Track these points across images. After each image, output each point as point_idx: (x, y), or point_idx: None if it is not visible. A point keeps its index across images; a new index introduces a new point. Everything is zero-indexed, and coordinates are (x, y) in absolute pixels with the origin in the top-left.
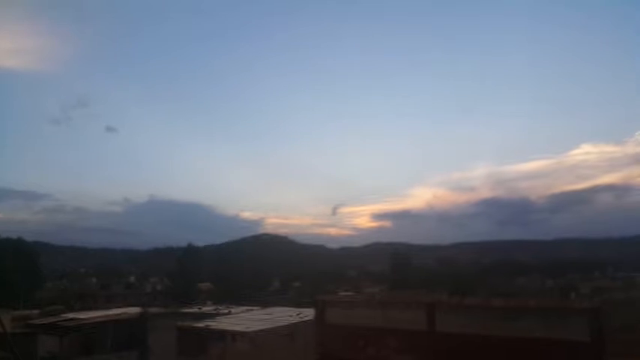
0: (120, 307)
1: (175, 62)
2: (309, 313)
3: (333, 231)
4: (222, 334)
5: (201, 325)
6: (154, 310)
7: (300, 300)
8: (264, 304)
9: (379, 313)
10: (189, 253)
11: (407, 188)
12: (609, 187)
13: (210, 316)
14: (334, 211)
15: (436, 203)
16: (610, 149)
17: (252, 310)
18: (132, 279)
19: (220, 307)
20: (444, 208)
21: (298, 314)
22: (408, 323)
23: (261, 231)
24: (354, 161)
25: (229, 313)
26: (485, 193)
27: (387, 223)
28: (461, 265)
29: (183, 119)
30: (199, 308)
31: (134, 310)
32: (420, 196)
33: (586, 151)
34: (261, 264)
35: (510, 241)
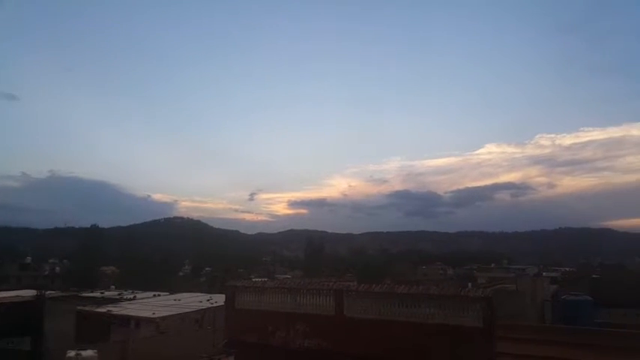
0: (13, 290)
1: (95, 31)
2: (219, 299)
3: (248, 216)
4: (125, 320)
5: (102, 310)
6: (51, 293)
7: (212, 285)
8: (174, 289)
9: (289, 299)
10: (93, 234)
11: (324, 177)
12: (508, 186)
13: (114, 301)
14: (251, 197)
15: (351, 193)
16: (511, 150)
17: (159, 295)
18: (28, 260)
19: (125, 292)
20: (358, 198)
21: (208, 300)
22: (317, 308)
23: (173, 214)
24: (273, 149)
25: (134, 298)
26: (397, 186)
27: (303, 211)
28: (371, 253)
29: (96, 93)
30: (101, 293)
31: (29, 293)
32: (337, 186)
33: (490, 151)
34: (171, 248)
35: (418, 231)
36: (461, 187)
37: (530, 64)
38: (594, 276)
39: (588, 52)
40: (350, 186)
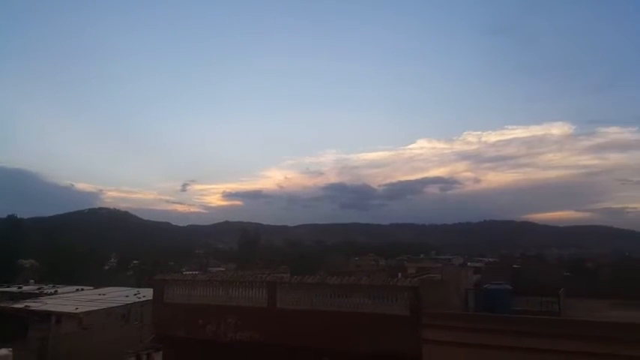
0: None
1: (17, 15)
2: (147, 293)
3: (180, 208)
4: (45, 316)
5: (19, 305)
6: None
7: (140, 279)
8: (99, 283)
9: (221, 292)
10: (10, 225)
11: (260, 169)
12: (438, 180)
13: (33, 295)
14: (184, 188)
15: (287, 185)
16: (441, 146)
17: (83, 289)
18: None
19: (45, 287)
20: (294, 190)
21: (135, 294)
22: (249, 301)
23: (98, 204)
24: (208, 139)
25: (55, 292)
26: (333, 178)
27: (238, 203)
28: (306, 245)
29: (15, 77)
30: (19, 287)
31: None
32: (273, 178)
33: (421, 146)
34: (97, 240)
35: (352, 223)
36: (394, 180)
37: (460, 64)
38: (515, 266)
39: (515, 53)
40: (286, 178)
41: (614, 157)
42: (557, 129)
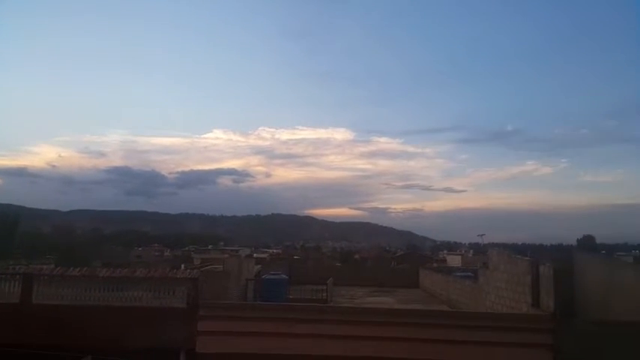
0: None
1: None
2: None
3: None
4: None
5: None
6: None
7: None
8: None
9: None
10: None
11: (26, 143)
12: (231, 171)
13: None
14: None
15: (61, 165)
16: (237, 138)
17: None
18: None
19: None
20: (70, 171)
21: None
22: None
23: None
24: None
25: None
26: (117, 161)
27: None
28: (80, 233)
29: None
30: None
31: None
32: (42, 154)
33: (217, 136)
34: None
35: (137, 211)
36: (186, 169)
37: (261, 62)
38: (295, 257)
39: (309, 58)
40: (60, 156)
41: (383, 164)
42: (339, 134)
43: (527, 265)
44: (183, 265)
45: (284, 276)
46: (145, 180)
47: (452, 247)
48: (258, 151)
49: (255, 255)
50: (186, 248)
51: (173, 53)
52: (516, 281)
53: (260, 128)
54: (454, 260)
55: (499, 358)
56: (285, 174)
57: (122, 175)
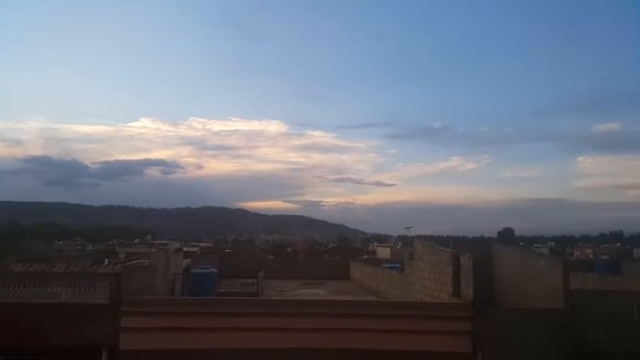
0: None
1: None
2: None
3: None
4: None
5: None
6: None
7: None
8: None
9: None
10: None
11: None
12: (159, 162)
13: None
14: None
15: None
16: (166, 128)
17: None
18: None
19: None
20: None
21: None
22: None
23: None
24: None
25: None
26: (36, 150)
27: None
28: None
29: None
30: None
31: None
32: None
33: (145, 125)
34: None
35: (57, 203)
36: (111, 159)
37: (192, 50)
38: (227, 250)
39: (243, 48)
40: None
41: (316, 157)
42: (273, 126)
43: (449, 256)
44: (106, 260)
45: (214, 270)
46: (66, 170)
47: (382, 239)
48: (189, 141)
49: (184, 249)
50: (111, 242)
51: (99, 35)
52: (439, 271)
53: (191, 118)
54: (384, 252)
55: (422, 345)
56: (217, 166)
57: (41, 165)
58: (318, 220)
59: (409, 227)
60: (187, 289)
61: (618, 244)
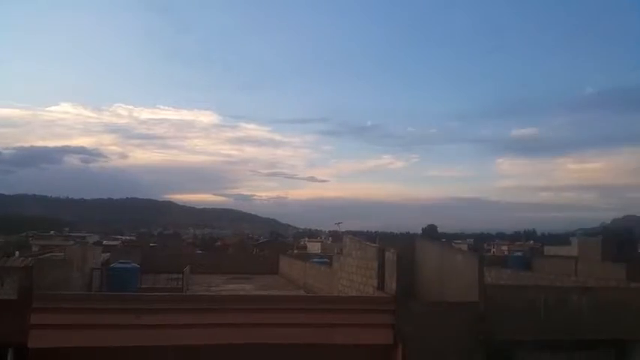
0: None
1: None
2: None
3: None
4: None
5: None
6: None
7: None
8: None
9: None
10: None
11: None
12: (80, 150)
13: None
14: None
15: None
16: (88, 114)
17: None
18: None
19: None
20: None
21: None
22: None
23: None
24: None
25: None
26: None
27: None
28: None
29: None
30: None
31: None
32: None
33: (65, 110)
34: None
35: None
36: (26, 144)
37: (120, 34)
38: (152, 244)
39: (176, 36)
40: None
41: (250, 151)
42: (205, 117)
43: (375, 251)
44: (17, 252)
45: (135, 265)
46: None
47: (313, 234)
48: (113, 129)
49: (104, 242)
50: (24, 234)
51: (16, 13)
52: (365, 266)
53: (116, 104)
54: (314, 247)
55: (345, 339)
56: (144, 156)
57: None
58: (250, 214)
59: (339, 223)
60: (106, 285)
61: (531, 242)
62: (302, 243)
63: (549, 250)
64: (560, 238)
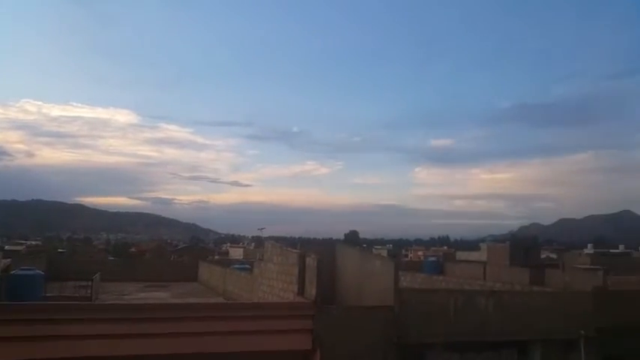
0: None
1: None
2: None
3: None
4: None
5: None
6: None
7: None
8: None
9: None
10: None
11: None
12: None
13: None
14: None
15: None
16: None
17: None
18: None
19: None
20: None
21: None
22: None
23: None
24: None
25: None
26: None
27: None
28: None
29: None
30: None
31: None
32: None
33: None
34: None
35: None
36: None
37: (29, 23)
38: (59, 250)
39: (93, 28)
40: None
41: (170, 152)
42: (122, 116)
43: (296, 257)
44: None
45: (39, 272)
46: None
47: (235, 239)
48: (19, 125)
49: (6, 247)
50: None
51: None
52: (286, 272)
53: (23, 100)
54: (236, 253)
55: (264, 345)
56: (53, 155)
57: None
58: (169, 219)
59: (262, 228)
60: (6, 294)
61: (445, 247)
62: (224, 249)
63: (461, 255)
64: (472, 244)
